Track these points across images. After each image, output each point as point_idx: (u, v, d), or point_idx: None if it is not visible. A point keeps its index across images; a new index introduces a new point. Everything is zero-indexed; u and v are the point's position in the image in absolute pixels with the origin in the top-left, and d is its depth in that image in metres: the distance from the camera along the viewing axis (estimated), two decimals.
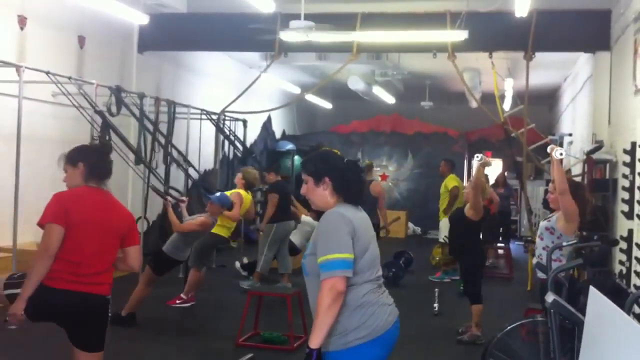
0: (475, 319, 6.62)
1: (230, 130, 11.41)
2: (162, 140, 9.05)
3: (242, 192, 8.16)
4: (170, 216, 7.01)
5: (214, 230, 7.78)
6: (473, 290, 6.67)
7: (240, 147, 11.67)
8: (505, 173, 13.65)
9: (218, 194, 7.55)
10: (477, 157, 6.66)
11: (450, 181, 10.26)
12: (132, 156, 8.24)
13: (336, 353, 2.87)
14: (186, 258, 7.26)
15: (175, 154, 9.25)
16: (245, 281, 8.82)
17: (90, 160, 3.68)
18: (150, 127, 8.78)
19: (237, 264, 9.62)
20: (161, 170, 8.94)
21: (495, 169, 13.80)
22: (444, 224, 10.07)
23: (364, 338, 2.87)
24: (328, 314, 2.75)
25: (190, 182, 10.22)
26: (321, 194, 2.97)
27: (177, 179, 10.03)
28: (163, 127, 9.36)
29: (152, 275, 6.87)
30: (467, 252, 6.67)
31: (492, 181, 12.86)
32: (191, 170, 9.74)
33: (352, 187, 2.99)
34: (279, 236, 8.66)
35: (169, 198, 7.41)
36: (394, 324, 3.02)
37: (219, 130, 11.02)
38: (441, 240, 10.22)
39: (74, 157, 3.70)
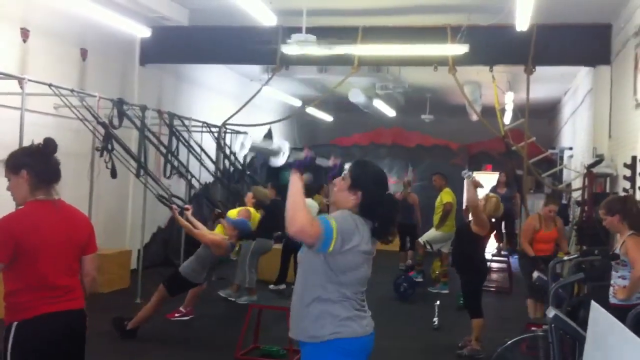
0: (475, 333, 6.59)
1: (225, 144, 11.34)
2: (167, 155, 9.11)
3: (251, 210, 8.13)
4: (180, 222, 7.00)
5: None
6: (473, 304, 6.65)
7: (238, 162, 11.61)
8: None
9: (239, 219, 7.52)
10: (465, 173, 6.71)
11: (445, 196, 10.31)
12: (133, 169, 8.25)
13: (312, 343, 2.94)
14: (202, 280, 7.18)
15: (176, 166, 9.28)
16: (243, 296, 8.79)
17: (34, 166, 3.18)
18: (152, 141, 8.81)
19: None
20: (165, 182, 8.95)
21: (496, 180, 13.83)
22: (431, 232, 10.33)
23: (339, 334, 2.91)
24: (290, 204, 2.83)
25: (192, 192, 10.23)
26: (347, 198, 3.02)
27: (178, 190, 10.02)
28: (164, 140, 9.38)
29: (166, 295, 6.83)
30: (470, 266, 6.65)
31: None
32: (193, 182, 9.74)
33: (377, 217, 3.01)
34: (257, 251, 8.78)
35: (174, 206, 7.40)
36: (371, 333, 3.04)
37: (217, 144, 11.00)
38: (421, 241, 10.47)
39: (15, 164, 3.20)
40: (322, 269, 2.92)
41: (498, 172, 15.54)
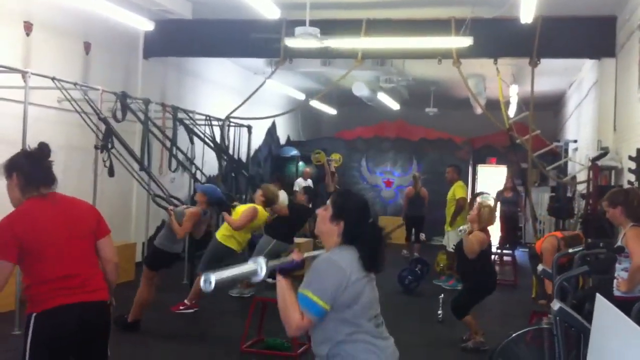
0: (473, 328, 6.58)
1: (217, 137, 11.22)
2: (172, 148, 9.10)
3: (259, 208, 8.02)
4: (172, 225, 7.00)
5: (222, 241, 7.72)
6: (461, 309, 6.58)
7: (236, 156, 11.56)
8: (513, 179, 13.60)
9: (207, 184, 7.54)
10: (460, 230, 6.75)
11: (458, 190, 10.14)
12: (135, 165, 8.25)
13: None
14: (180, 250, 7.24)
15: (180, 160, 9.26)
16: (234, 289, 8.78)
17: (23, 169, 3.29)
18: (157, 135, 8.79)
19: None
20: (165, 177, 8.96)
21: (500, 179, 13.80)
22: (452, 235, 10.04)
23: None
24: (281, 309, 2.87)
25: (195, 188, 10.22)
26: (330, 228, 3.00)
27: (182, 186, 10.03)
28: (168, 133, 9.38)
29: (150, 272, 6.86)
30: (471, 281, 6.62)
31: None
32: (198, 175, 9.75)
33: (362, 248, 2.95)
34: (273, 253, 8.73)
35: (171, 207, 7.38)
36: None
37: (220, 138, 10.94)
38: (450, 249, 10.18)
39: (6, 168, 3.33)
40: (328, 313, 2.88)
41: (505, 166, 15.57)
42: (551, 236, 7.29)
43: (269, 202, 8.20)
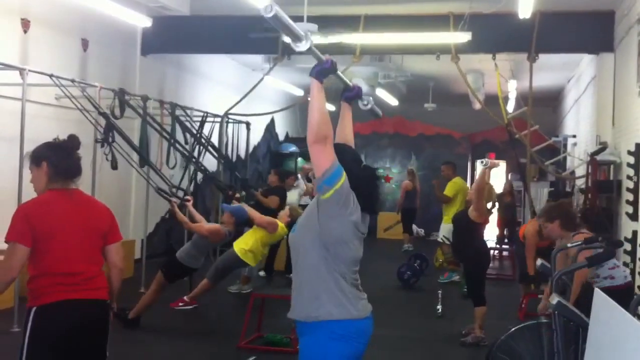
0: (478, 321, 6.60)
1: (206, 135, 11.11)
2: (170, 144, 9.07)
3: (281, 225, 7.88)
4: (178, 216, 6.99)
5: (241, 255, 7.47)
6: (477, 291, 6.65)
7: (235, 152, 11.51)
8: (509, 175, 13.62)
9: (235, 204, 7.42)
10: (482, 162, 6.70)
11: (450, 186, 10.20)
12: (135, 158, 8.23)
13: (308, 324, 2.87)
14: (200, 266, 7.15)
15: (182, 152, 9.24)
16: (233, 285, 8.76)
17: (54, 158, 3.35)
18: (156, 128, 8.77)
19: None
20: (166, 172, 8.93)
21: (499, 174, 13.83)
22: (444, 228, 10.14)
23: (333, 316, 2.83)
24: (315, 109, 2.85)
25: (198, 181, 10.19)
26: None
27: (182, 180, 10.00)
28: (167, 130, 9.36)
29: (164, 281, 6.84)
30: (470, 254, 6.65)
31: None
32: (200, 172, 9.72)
33: (361, 195, 2.94)
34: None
35: (174, 199, 7.38)
36: (368, 317, 2.95)
37: (219, 134, 10.88)
38: (439, 239, 10.30)
39: (37, 156, 3.38)
40: (315, 244, 2.85)
41: (504, 161, 15.57)
42: (534, 220, 7.38)
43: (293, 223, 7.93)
